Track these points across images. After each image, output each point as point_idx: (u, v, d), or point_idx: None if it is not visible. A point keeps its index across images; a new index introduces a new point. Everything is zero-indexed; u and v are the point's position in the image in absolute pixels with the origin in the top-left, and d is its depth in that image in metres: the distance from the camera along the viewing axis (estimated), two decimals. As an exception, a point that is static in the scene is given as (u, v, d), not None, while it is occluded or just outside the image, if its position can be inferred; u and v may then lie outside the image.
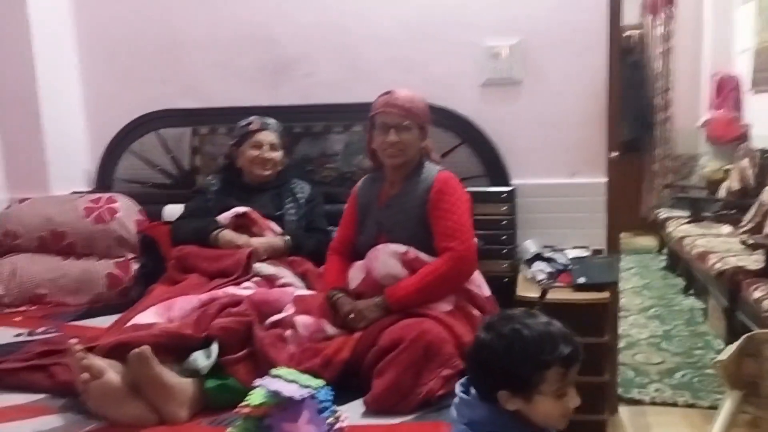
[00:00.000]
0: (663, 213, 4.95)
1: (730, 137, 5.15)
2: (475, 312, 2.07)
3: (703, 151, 5.62)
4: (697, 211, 4.57)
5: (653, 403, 2.83)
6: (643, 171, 6.20)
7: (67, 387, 1.75)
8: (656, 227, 5.13)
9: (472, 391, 1.26)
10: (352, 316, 1.97)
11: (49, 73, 2.95)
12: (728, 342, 2.93)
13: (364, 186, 2.28)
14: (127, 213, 2.75)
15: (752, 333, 2.74)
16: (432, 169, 2.16)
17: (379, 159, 2.20)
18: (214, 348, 1.77)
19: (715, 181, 4.90)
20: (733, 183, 4.52)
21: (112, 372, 1.63)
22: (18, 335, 2.26)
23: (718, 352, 2.86)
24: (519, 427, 1.21)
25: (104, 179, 3.04)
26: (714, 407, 2.67)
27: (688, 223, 4.46)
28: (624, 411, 2.76)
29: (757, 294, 2.90)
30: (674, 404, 2.81)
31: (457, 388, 1.28)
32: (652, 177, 6.12)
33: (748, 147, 4.62)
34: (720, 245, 3.75)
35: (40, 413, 1.70)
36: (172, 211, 2.71)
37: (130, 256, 2.71)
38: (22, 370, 1.87)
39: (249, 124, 2.57)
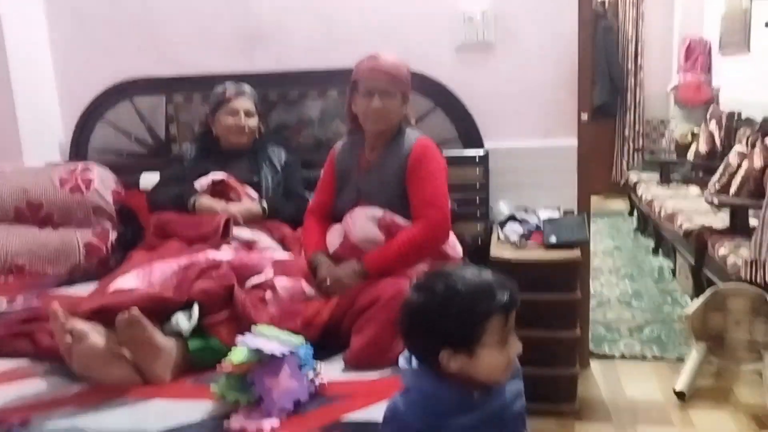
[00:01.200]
0: (633, 176, 5.05)
1: (699, 101, 5.24)
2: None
3: (673, 115, 5.72)
4: (667, 174, 4.67)
5: (623, 357, 2.93)
6: (615, 136, 6.30)
7: (50, 352, 1.78)
8: (627, 190, 5.24)
9: (414, 361, 1.18)
10: (328, 283, 2.01)
11: (19, 42, 2.91)
12: (695, 298, 3.03)
13: (343, 150, 2.30)
14: (103, 182, 2.74)
15: (717, 287, 2.86)
16: (411, 136, 2.18)
17: (359, 123, 2.22)
18: (196, 310, 1.80)
19: (684, 144, 5.00)
20: (701, 146, 4.62)
21: (95, 335, 1.66)
22: (-3, 305, 2.27)
23: (686, 307, 2.96)
24: (461, 388, 1.14)
25: (79, 149, 3.03)
26: (681, 359, 2.79)
27: (658, 185, 4.57)
28: (595, 365, 2.87)
29: (722, 251, 3.00)
30: (643, 357, 2.92)
31: (401, 360, 1.20)
32: (624, 141, 6.22)
33: (716, 110, 4.71)
34: (688, 206, 3.86)
35: (24, 377, 1.73)
36: (149, 179, 2.71)
37: (108, 225, 2.71)
38: (4, 337, 1.89)
39: (224, 91, 2.57)
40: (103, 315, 1.72)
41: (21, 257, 2.62)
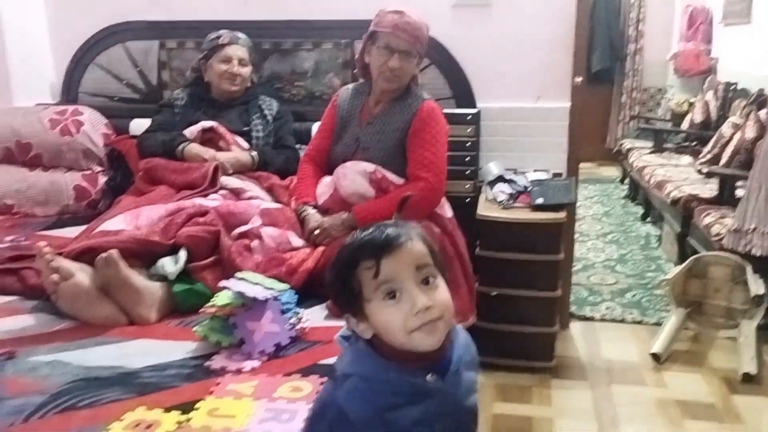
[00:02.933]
0: (627, 144, 5.06)
1: (697, 70, 5.21)
2: (437, 230, 2.15)
3: (671, 83, 5.70)
4: (660, 143, 4.68)
5: (603, 320, 2.99)
6: (612, 102, 6.28)
7: (38, 290, 1.80)
8: (620, 158, 5.25)
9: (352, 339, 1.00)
10: (317, 232, 2.04)
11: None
12: (678, 265, 3.07)
13: (347, 97, 2.28)
14: (93, 126, 2.74)
15: (699, 255, 2.90)
16: (419, 96, 2.18)
17: (369, 72, 2.20)
18: (182, 254, 1.83)
19: (680, 113, 4.99)
20: (696, 115, 4.61)
21: (81, 274, 1.68)
22: (-14, 243, 2.29)
23: (667, 273, 3.01)
24: (409, 369, 0.93)
25: (69, 92, 3.00)
26: (660, 324, 2.84)
27: (651, 153, 4.58)
28: (575, 326, 2.92)
29: (707, 220, 3.03)
30: (623, 321, 2.98)
31: (337, 339, 1.02)
32: (620, 108, 6.21)
33: (714, 80, 4.69)
34: (678, 175, 3.88)
35: (11, 313, 1.75)
36: (140, 125, 2.70)
37: (98, 168, 2.72)
38: (-7, 273, 1.91)
39: (218, 37, 2.54)
40: (89, 255, 1.74)
41: (10, 197, 2.63)
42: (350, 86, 2.33)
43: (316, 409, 0.97)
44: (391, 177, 2.13)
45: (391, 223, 0.98)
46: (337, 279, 0.96)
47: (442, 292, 0.93)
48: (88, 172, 2.70)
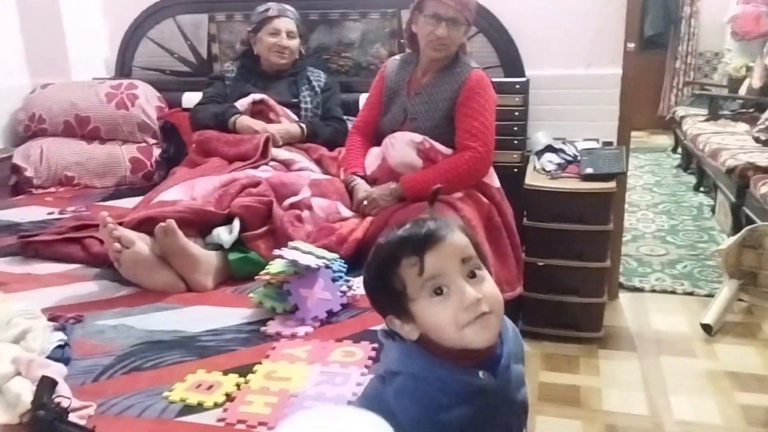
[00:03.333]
0: (680, 111, 4.91)
1: (757, 33, 5.00)
2: (484, 200, 2.16)
3: (728, 47, 5.48)
4: (716, 109, 4.53)
5: (653, 291, 2.95)
6: (665, 68, 6.08)
7: (100, 257, 1.89)
8: (673, 126, 5.11)
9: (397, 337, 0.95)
10: (365, 203, 2.07)
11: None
12: (732, 236, 3.01)
13: (394, 68, 2.28)
14: (147, 99, 2.81)
15: (754, 225, 2.83)
16: (467, 65, 2.17)
17: (416, 43, 2.20)
18: (236, 224, 1.88)
19: (738, 79, 4.82)
20: (754, 81, 4.45)
21: (141, 242, 1.75)
22: (50, 213, 2.39)
23: (721, 244, 2.95)
24: (460, 365, 0.89)
25: (123, 66, 3.08)
26: (711, 296, 2.80)
27: (705, 121, 4.44)
28: (624, 297, 2.90)
29: (763, 189, 2.95)
30: (673, 292, 2.94)
31: (380, 334, 0.97)
32: (673, 74, 6.01)
33: (774, 43, 4.50)
34: (734, 142, 3.77)
35: (77, 280, 1.84)
36: (192, 98, 2.76)
37: (152, 141, 2.80)
38: (57, 242, 2.00)
39: (267, 10, 2.56)
40: (148, 225, 1.81)
41: (70, 169, 2.74)
42: (397, 57, 2.33)
43: (363, 406, 0.91)
44: (439, 147, 2.14)
45: (429, 217, 0.93)
46: (377, 279, 0.91)
47: (489, 284, 0.89)
48: (143, 144, 2.78)
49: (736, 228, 3.19)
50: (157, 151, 2.79)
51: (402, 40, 2.53)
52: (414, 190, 2.03)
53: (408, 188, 2.06)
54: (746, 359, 2.41)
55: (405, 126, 2.17)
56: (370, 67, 2.78)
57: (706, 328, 2.58)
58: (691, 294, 2.92)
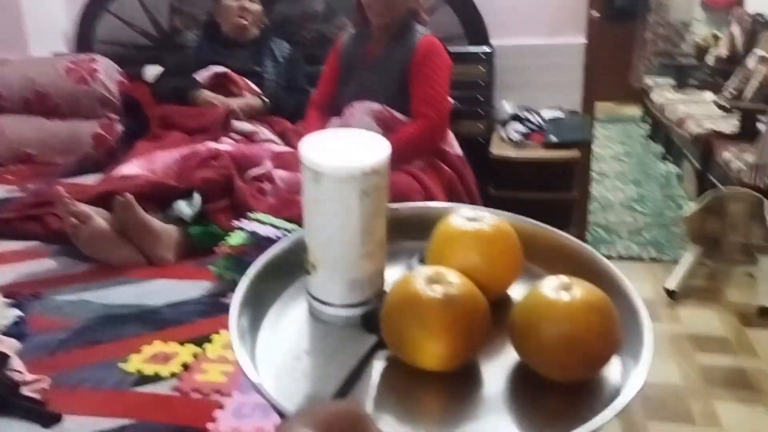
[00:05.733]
0: (649, 81, 4.95)
1: (725, 2, 5.04)
2: (446, 169, 2.16)
3: (697, 17, 5.51)
4: (683, 79, 4.57)
5: (620, 258, 2.99)
6: (635, 39, 6.10)
7: (59, 234, 1.85)
8: (642, 96, 5.14)
9: None
10: None
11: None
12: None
13: (349, 42, 2.27)
14: (108, 74, 2.76)
15: (718, 191, 2.87)
16: (417, 32, 2.15)
17: (366, 15, 2.19)
18: (197, 197, 1.86)
19: (705, 48, 4.86)
20: (721, 50, 4.49)
21: (99, 218, 1.73)
22: (10, 191, 2.35)
23: (685, 210, 2.99)
24: None
25: (83, 41, 3.02)
26: (677, 262, 2.84)
27: (673, 90, 4.48)
28: (590, 265, 2.93)
29: (727, 156, 2.99)
30: (639, 259, 2.98)
31: None
32: (643, 44, 6.03)
33: (741, 12, 4.53)
34: (699, 111, 3.81)
35: (35, 257, 1.81)
36: (153, 71, 2.72)
37: (114, 116, 2.75)
38: (16, 219, 1.97)
39: (228, -25, 2.52)
40: (107, 200, 1.79)
41: (31, 147, 2.68)
42: (352, 32, 2.31)
43: None
44: (399, 116, 2.13)
45: None
46: None
47: None
48: (106, 120, 2.73)
49: (701, 195, 3.24)
50: (119, 127, 2.74)
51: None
52: None
53: None
54: (707, 322, 2.46)
55: (361, 98, 2.16)
56: (335, 38, 2.74)
57: (670, 293, 2.62)
58: (656, 260, 2.96)
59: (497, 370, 0.54)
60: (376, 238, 0.57)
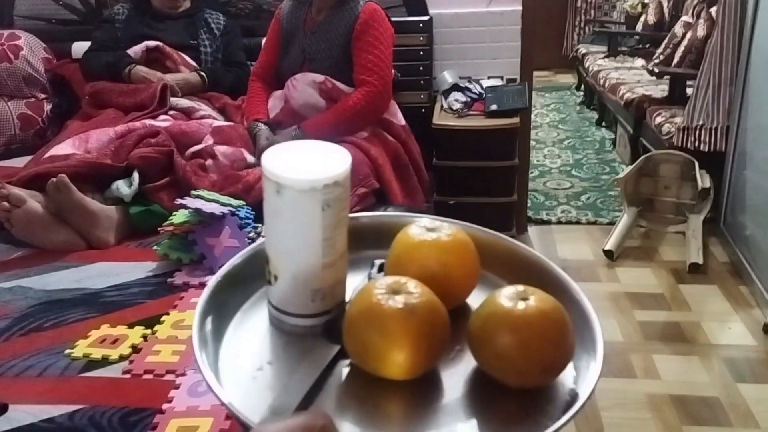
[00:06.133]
0: (582, 49, 5.05)
1: (651, -30, 5.16)
2: (390, 139, 2.17)
3: (626, -15, 5.64)
4: (614, 46, 4.68)
5: (559, 223, 3.08)
6: (568, 8, 6.21)
7: (-10, 220, 1.78)
8: (576, 64, 5.25)
9: None
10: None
11: None
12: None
13: (289, 10, 2.23)
14: (32, 51, 2.62)
15: (650, 154, 2.98)
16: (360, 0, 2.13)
17: None
18: (135, 176, 1.80)
19: (634, 15, 4.98)
20: (649, 17, 4.61)
21: (32, 201, 1.66)
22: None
23: (620, 173, 3.09)
24: None
25: (2, 16, 2.85)
26: (613, 224, 2.94)
27: (605, 58, 4.59)
28: (532, 230, 3.01)
29: (658, 120, 3.09)
30: (578, 222, 3.07)
31: None
32: (576, 13, 6.15)
33: (667, -20, 4.66)
34: (631, 77, 3.92)
35: (-35, 244, 1.73)
36: (82, 48, 2.59)
37: (42, 96, 2.63)
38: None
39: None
40: (40, 182, 1.72)
41: (-48, 130, 2.54)
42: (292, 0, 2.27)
43: None
44: (342, 86, 2.11)
45: None
46: None
47: None
48: (32, 99, 2.61)
49: (635, 158, 3.35)
50: (48, 106, 2.62)
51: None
52: (315, 132, 2.01)
53: (310, 132, 2.03)
54: (644, 280, 2.56)
55: (304, 67, 2.13)
56: (271, 9, 2.68)
57: (608, 253, 2.72)
58: (594, 223, 3.06)
59: (457, 376, 0.56)
60: (338, 248, 0.58)
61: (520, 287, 0.54)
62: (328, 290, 0.59)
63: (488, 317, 0.53)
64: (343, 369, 0.55)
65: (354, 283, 0.62)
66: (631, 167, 2.93)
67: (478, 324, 0.54)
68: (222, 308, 0.61)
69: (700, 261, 2.58)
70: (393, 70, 2.19)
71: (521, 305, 0.52)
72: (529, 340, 0.52)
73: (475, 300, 0.60)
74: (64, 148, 1.90)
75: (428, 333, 0.52)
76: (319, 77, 2.09)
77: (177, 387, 1.10)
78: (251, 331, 0.60)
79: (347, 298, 0.61)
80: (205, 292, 0.59)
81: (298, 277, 0.58)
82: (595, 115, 4.69)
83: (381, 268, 0.63)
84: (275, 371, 0.56)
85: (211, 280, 0.60)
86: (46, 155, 1.89)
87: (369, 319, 0.52)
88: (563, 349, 0.53)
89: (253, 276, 0.63)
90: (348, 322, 0.54)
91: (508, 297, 0.53)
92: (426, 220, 0.64)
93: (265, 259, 0.59)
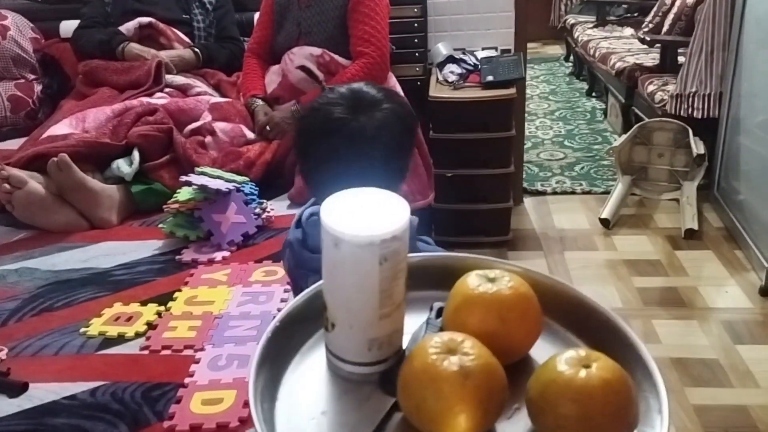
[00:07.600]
0: (570, 19, 5.03)
1: (638, -62, 5.14)
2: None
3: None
4: (603, 16, 4.68)
5: (554, 193, 3.09)
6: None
7: (-9, 203, 1.76)
8: (564, 35, 5.23)
9: None
10: (268, 128, 2.01)
11: None
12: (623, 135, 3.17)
13: None
14: (19, 30, 2.57)
15: (643, 122, 2.99)
16: None
17: None
18: (136, 155, 1.79)
19: (622, -16, 4.97)
20: (638, -15, 4.60)
21: (33, 182, 1.64)
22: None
23: (614, 143, 3.10)
24: None
25: (-14, -5, 2.79)
26: (608, 193, 2.96)
27: (594, 27, 4.58)
28: (528, 201, 3.02)
29: (650, 88, 3.10)
30: (573, 192, 3.09)
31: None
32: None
33: (655, -53, 4.64)
34: (621, 46, 3.92)
35: (-34, 227, 1.72)
36: (70, 27, 2.55)
37: (31, 76, 2.58)
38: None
39: None
40: (39, 162, 1.70)
41: (-59, 113, 2.49)
42: None
43: (284, 244, 1.04)
44: (339, 59, 2.10)
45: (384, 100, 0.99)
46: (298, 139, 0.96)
47: None
48: (22, 80, 2.56)
49: (627, 127, 3.36)
50: (38, 87, 2.58)
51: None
52: None
53: None
54: (640, 247, 2.59)
55: (300, 41, 2.11)
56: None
57: (604, 222, 2.74)
58: (589, 193, 3.08)
59: None
60: (395, 299, 0.57)
61: (582, 351, 0.51)
62: (385, 339, 0.58)
63: (549, 384, 0.51)
64: (397, 422, 0.54)
65: (412, 325, 0.61)
66: (625, 136, 2.94)
67: (537, 389, 0.52)
68: (280, 351, 0.60)
69: (696, 227, 2.62)
70: (389, 42, 2.18)
71: (583, 373, 0.49)
72: (591, 413, 0.49)
73: (536, 352, 0.59)
74: (60, 128, 1.88)
75: (484, 398, 0.50)
76: (317, 50, 2.07)
77: (197, 362, 1.11)
78: (308, 376, 0.60)
79: (404, 345, 0.60)
80: (262, 342, 0.57)
81: (354, 327, 0.58)
82: (585, 86, 4.69)
83: (440, 313, 0.62)
84: (329, 422, 0.55)
85: (269, 327, 0.58)
86: (44, 135, 1.86)
87: (423, 381, 0.51)
88: (626, 422, 0.50)
89: (312, 318, 0.62)
90: (402, 380, 0.53)
91: (570, 363, 0.50)
92: (486, 269, 0.61)
93: (323, 306, 0.59)
